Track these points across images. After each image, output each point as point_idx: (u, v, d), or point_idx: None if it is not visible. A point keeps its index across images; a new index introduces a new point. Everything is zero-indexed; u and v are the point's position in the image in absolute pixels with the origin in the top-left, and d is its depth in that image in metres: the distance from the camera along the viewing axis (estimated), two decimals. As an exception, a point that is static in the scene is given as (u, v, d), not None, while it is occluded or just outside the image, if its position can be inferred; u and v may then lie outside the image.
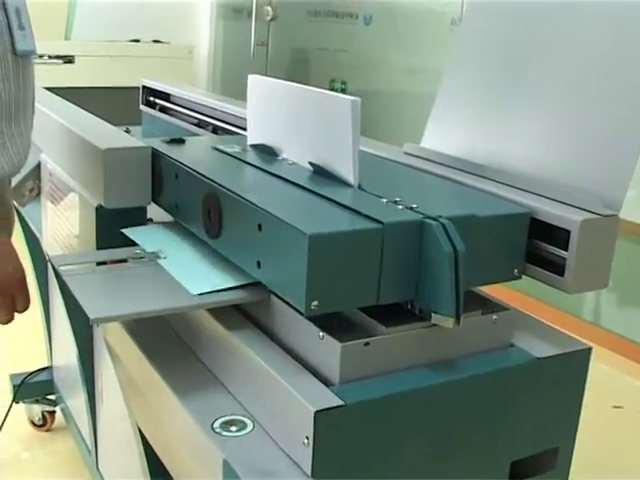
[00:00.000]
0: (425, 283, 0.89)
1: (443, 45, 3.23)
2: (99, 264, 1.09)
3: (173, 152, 1.19)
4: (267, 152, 1.21)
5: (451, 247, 0.86)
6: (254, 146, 1.24)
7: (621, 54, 1.06)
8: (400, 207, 0.94)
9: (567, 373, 1.01)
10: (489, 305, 0.99)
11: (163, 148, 1.21)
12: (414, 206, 0.93)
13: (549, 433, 1.02)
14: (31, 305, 1.15)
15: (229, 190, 0.99)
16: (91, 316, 0.91)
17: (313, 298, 0.84)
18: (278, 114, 1.19)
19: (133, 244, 1.15)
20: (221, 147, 1.25)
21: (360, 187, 1.04)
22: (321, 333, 0.88)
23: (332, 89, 4.08)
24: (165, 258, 1.08)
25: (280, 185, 1.06)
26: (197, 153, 1.25)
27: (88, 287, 1.00)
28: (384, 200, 0.97)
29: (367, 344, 0.87)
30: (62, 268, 1.05)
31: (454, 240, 0.87)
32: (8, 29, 1.03)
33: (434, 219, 0.89)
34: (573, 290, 0.98)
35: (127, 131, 1.85)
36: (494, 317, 0.97)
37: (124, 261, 1.08)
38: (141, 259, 1.08)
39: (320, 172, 1.09)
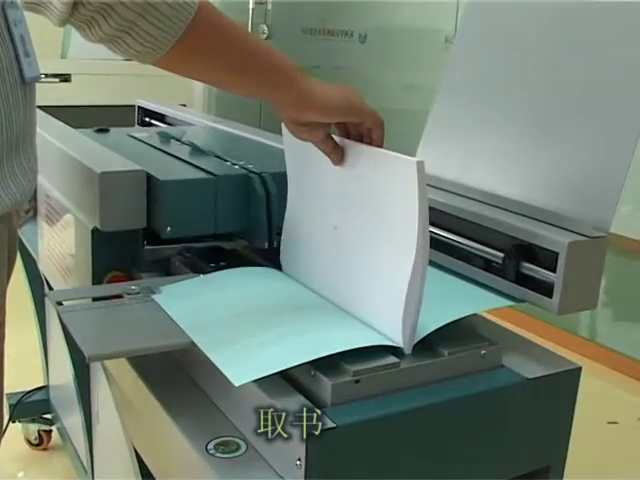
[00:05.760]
0: (250, 219, 1.24)
1: (437, 63, 3.25)
2: (95, 299, 1.11)
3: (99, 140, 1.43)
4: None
5: (264, 192, 1.22)
6: None
7: (612, 73, 1.08)
8: (236, 167, 1.30)
9: (557, 393, 1.01)
10: (477, 339, 1.00)
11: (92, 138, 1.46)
12: (250, 167, 1.28)
13: (540, 452, 1.02)
14: (27, 324, 1.15)
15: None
16: (87, 354, 0.93)
17: (166, 225, 1.19)
18: None
19: (128, 270, 1.20)
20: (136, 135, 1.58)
21: (217, 156, 1.39)
22: (312, 371, 0.89)
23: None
24: (160, 293, 1.10)
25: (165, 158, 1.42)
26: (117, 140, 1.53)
27: (84, 324, 1.02)
28: (228, 163, 1.33)
29: (357, 382, 0.89)
30: (59, 306, 1.07)
31: (270, 188, 1.22)
32: (16, 60, 1.01)
33: (257, 173, 1.24)
34: (561, 311, 1.00)
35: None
36: (482, 352, 0.98)
37: (119, 296, 1.10)
38: (137, 294, 1.09)
39: None
